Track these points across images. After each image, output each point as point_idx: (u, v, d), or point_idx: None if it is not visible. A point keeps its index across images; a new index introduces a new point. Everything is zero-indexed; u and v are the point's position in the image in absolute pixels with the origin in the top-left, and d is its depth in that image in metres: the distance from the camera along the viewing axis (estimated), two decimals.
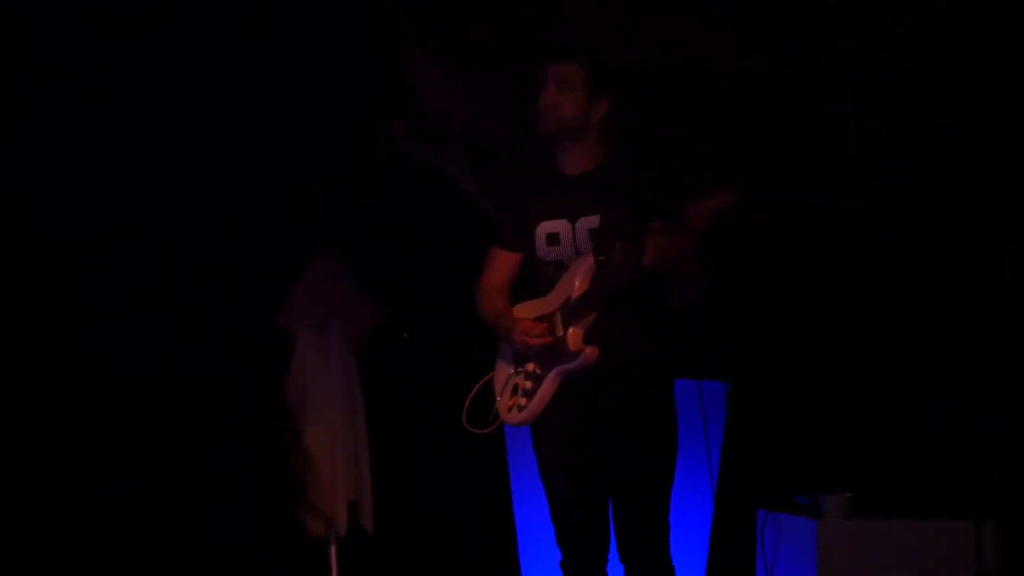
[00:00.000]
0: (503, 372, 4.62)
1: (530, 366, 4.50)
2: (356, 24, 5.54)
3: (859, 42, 5.10)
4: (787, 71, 5.14)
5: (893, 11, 5.11)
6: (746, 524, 5.57)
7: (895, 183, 5.35)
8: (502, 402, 4.60)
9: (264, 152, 5.82)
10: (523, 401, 4.51)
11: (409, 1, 5.50)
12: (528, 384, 4.50)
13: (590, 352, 4.37)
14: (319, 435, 6.04)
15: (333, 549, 6.05)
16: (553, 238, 4.47)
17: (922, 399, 5.63)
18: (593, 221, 4.41)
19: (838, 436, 5.73)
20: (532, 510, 5.45)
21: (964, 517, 5.19)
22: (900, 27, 5.11)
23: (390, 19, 5.49)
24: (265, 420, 6.09)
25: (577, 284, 4.39)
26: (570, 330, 4.38)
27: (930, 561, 5.16)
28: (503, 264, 4.61)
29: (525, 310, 4.54)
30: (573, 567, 4.56)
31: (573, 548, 4.55)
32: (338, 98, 5.72)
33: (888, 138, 5.26)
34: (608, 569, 4.55)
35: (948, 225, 5.39)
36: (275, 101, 5.70)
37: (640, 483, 4.44)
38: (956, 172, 5.34)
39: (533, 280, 4.59)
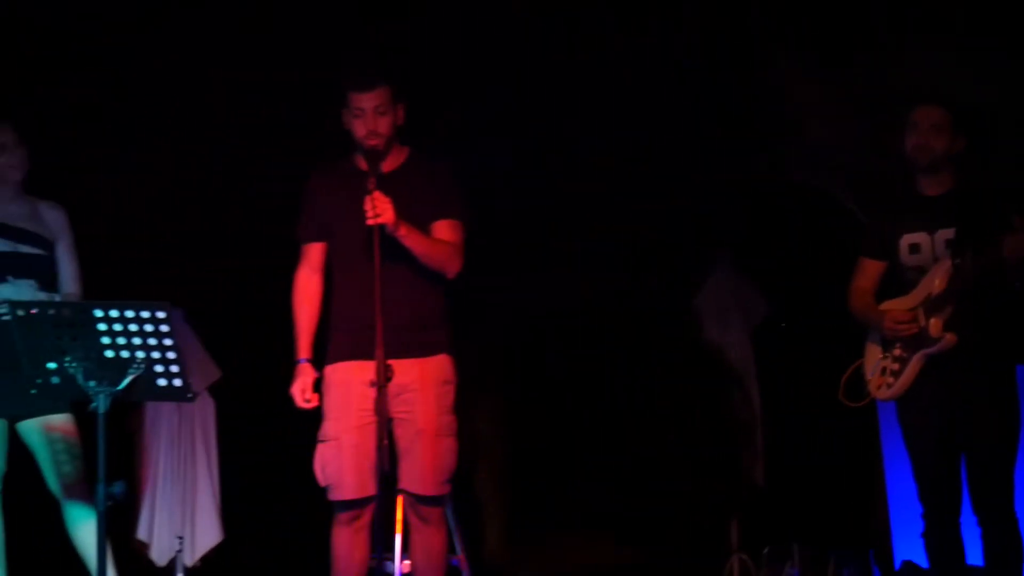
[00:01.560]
0: (872, 356, 5.06)
1: (897, 351, 4.96)
2: (754, 70, 5.93)
3: None
4: None
5: None
6: None
7: None
8: (872, 381, 5.04)
9: (689, 180, 6.31)
10: (891, 380, 4.97)
11: (795, 53, 5.84)
12: (895, 366, 4.96)
13: (950, 337, 4.83)
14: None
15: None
16: (915, 248, 4.97)
17: None
18: (949, 233, 4.89)
19: None
20: (899, 470, 5.75)
21: None
22: None
23: (780, 66, 5.87)
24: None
25: (937, 283, 4.87)
26: (931, 320, 4.85)
27: None
28: (871, 270, 5.11)
29: (891, 306, 5.00)
30: (932, 517, 4.97)
31: (932, 502, 4.96)
32: (740, 134, 6.12)
33: None
34: (961, 520, 4.94)
35: None
36: (693, 138, 6.20)
37: (990, 450, 4.85)
38: None
39: (896, 285, 5.04)
